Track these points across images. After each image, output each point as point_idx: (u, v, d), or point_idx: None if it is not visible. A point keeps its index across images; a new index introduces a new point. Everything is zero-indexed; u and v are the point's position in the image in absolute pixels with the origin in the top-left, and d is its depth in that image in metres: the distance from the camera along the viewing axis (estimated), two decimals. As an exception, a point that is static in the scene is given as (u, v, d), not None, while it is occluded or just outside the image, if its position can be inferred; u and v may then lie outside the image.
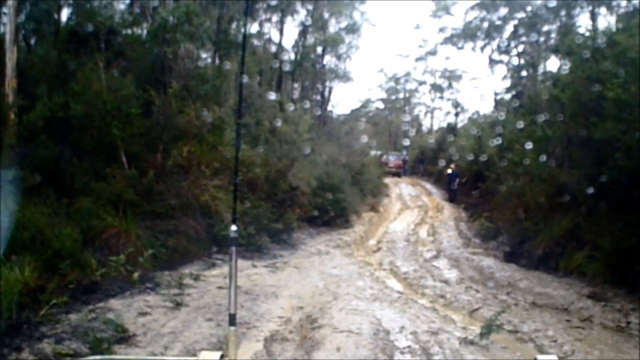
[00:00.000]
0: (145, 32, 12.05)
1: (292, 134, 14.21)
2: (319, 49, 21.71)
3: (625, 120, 8.46)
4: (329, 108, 23.65)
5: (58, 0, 11.59)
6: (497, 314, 6.49)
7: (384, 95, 34.08)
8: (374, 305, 7.46)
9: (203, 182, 10.24)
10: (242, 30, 14.34)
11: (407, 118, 33.70)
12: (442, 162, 22.11)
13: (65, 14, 12.19)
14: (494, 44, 23.54)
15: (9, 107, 8.56)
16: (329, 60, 22.93)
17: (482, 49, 24.53)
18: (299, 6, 19.90)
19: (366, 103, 33.18)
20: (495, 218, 13.06)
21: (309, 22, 20.07)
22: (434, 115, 33.74)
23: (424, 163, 27.85)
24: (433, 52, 30.24)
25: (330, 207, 13.87)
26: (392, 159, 27.19)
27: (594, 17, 14.92)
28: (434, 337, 6.15)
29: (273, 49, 19.83)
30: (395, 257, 11.49)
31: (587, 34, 12.81)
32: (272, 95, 15.94)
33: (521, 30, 21.35)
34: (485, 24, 23.66)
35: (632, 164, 8.16)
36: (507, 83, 23.08)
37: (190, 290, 7.51)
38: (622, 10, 13.06)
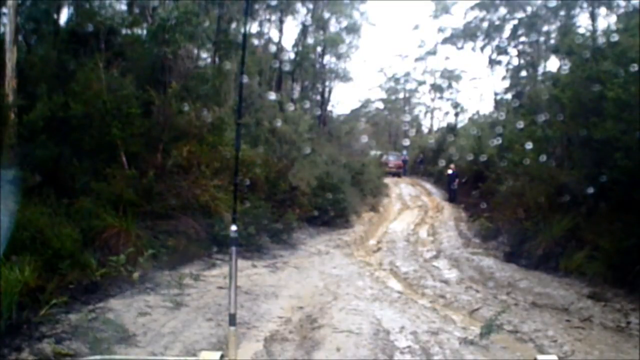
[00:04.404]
0: (145, 32, 12.06)
1: (292, 134, 14.23)
2: (319, 49, 21.78)
3: (625, 120, 8.45)
4: (329, 108, 23.78)
5: (58, 0, 11.60)
6: (497, 314, 6.48)
7: (384, 95, 34.23)
8: (374, 305, 7.45)
9: (203, 182, 10.24)
10: (242, 30, 14.38)
11: (407, 118, 33.80)
12: (442, 162, 22.11)
13: (65, 14, 12.23)
14: (494, 44, 23.63)
15: (9, 107, 8.56)
16: (329, 60, 23.03)
17: (482, 49, 24.66)
18: (299, 6, 19.96)
19: (366, 103, 33.33)
20: (495, 218, 13.04)
21: (309, 22, 20.11)
22: (434, 115, 33.89)
23: (424, 163, 27.85)
24: (433, 52, 30.43)
25: (330, 207, 13.85)
26: (392, 159, 27.24)
27: (594, 17, 14.96)
28: (434, 337, 6.15)
29: (273, 49, 19.88)
30: (395, 257, 11.48)
31: (587, 34, 12.81)
32: (272, 95, 15.98)
33: (521, 30, 21.40)
34: (485, 24, 23.75)
35: (632, 164, 8.15)
36: (507, 83, 23.19)
37: (190, 290, 7.51)
38: (622, 10, 13.07)
